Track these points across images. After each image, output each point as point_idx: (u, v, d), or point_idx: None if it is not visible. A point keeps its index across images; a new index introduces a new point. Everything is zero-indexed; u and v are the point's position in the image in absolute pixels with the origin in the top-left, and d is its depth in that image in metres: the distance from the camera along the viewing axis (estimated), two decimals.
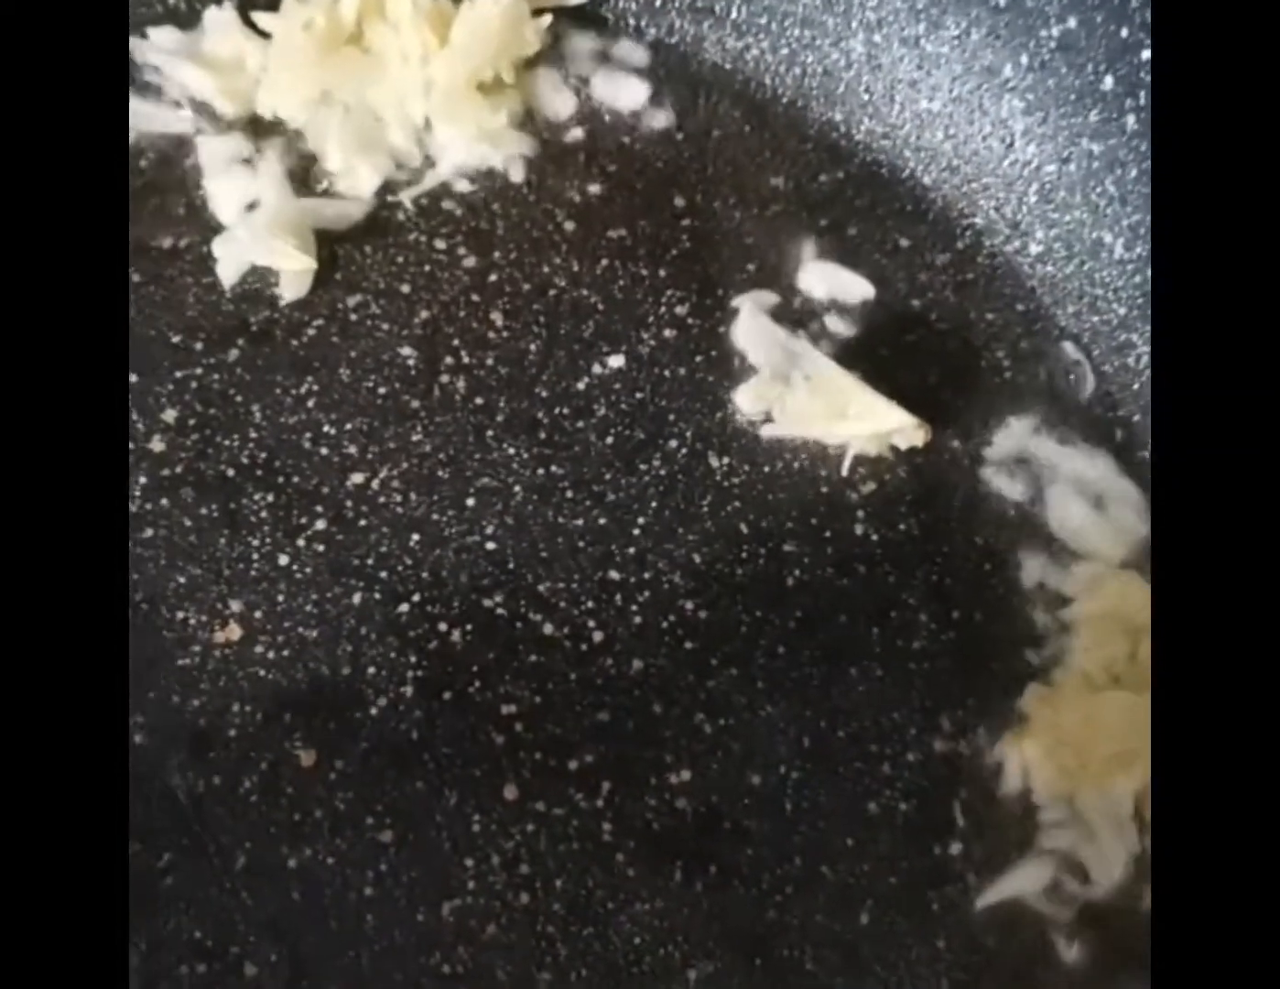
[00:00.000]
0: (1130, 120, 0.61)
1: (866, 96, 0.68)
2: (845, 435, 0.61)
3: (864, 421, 0.60)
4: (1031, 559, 0.60)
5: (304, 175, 0.63)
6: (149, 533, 0.56)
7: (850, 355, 0.62)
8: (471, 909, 0.51)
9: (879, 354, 0.63)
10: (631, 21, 0.69)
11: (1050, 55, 0.63)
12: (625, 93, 0.67)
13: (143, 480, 0.57)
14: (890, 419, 0.60)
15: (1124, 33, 0.60)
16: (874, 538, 0.60)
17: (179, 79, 0.64)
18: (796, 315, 0.63)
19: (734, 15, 0.68)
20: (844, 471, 0.61)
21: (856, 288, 0.64)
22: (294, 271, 0.60)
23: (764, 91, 0.68)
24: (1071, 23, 0.62)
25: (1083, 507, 0.61)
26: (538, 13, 0.66)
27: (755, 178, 0.66)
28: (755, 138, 0.68)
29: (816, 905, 0.53)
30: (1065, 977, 0.54)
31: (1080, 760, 0.56)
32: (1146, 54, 0.60)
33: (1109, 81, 0.61)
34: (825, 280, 0.64)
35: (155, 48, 0.65)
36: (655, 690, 0.56)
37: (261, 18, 0.64)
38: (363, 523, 0.57)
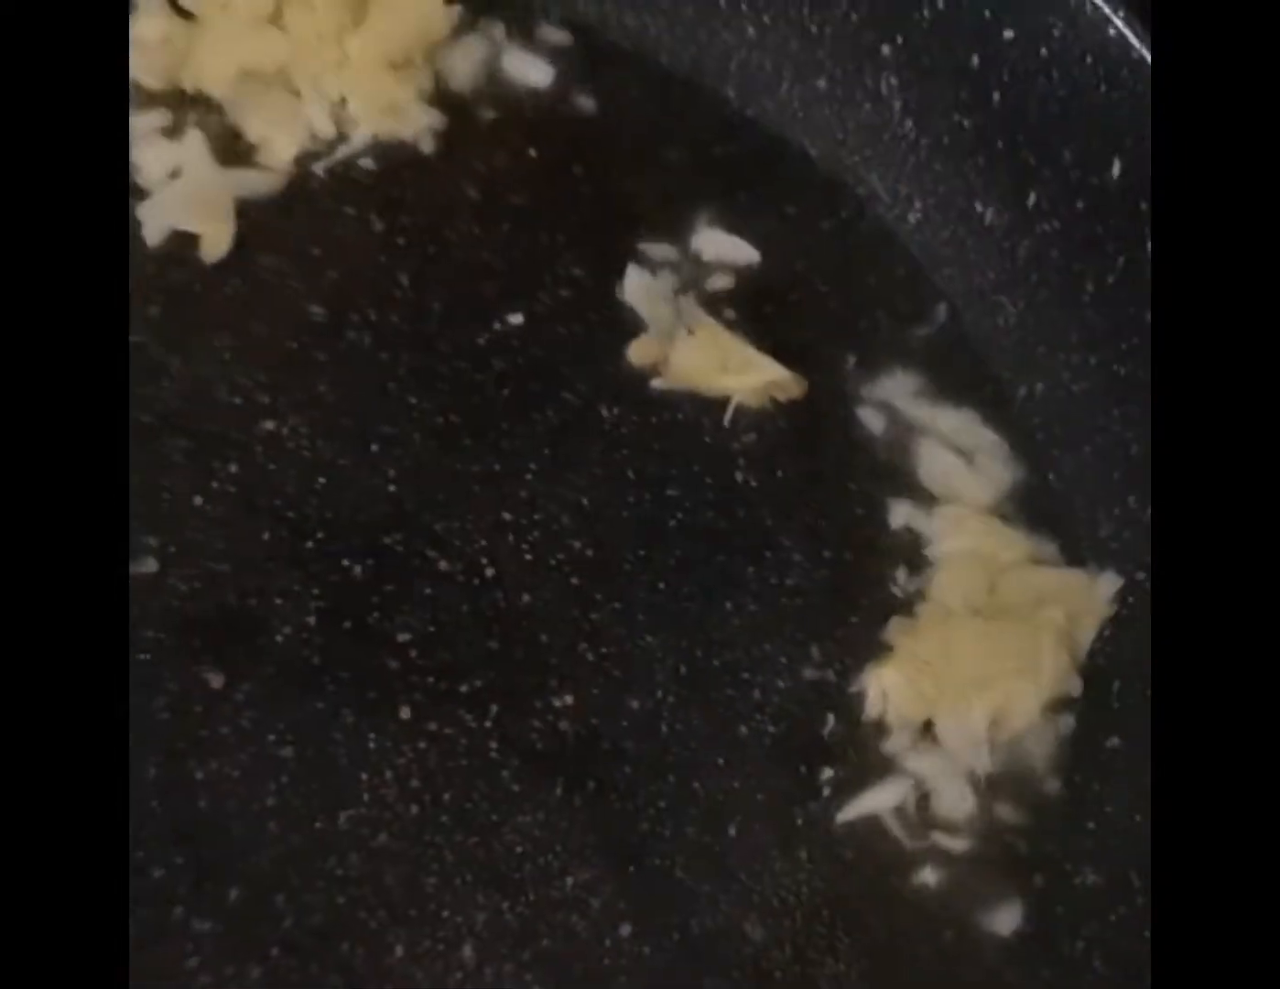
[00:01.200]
0: (995, 97, 0.66)
1: (758, 73, 0.72)
2: (728, 388, 0.65)
3: (745, 375, 0.65)
4: (900, 504, 0.65)
5: (225, 146, 0.67)
6: None
7: (735, 315, 0.67)
8: (365, 819, 0.56)
9: (763, 312, 0.67)
10: (540, 2, 0.73)
11: (923, 36, 0.67)
12: (533, 71, 0.71)
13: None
14: (770, 373, 0.65)
15: (986, 14, 0.64)
16: (753, 484, 0.64)
17: None
18: (686, 277, 0.68)
19: None
20: (726, 422, 0.65)
21: (743, 252, 0.69)
22: (213, 235, 0.64)
23: (661, 69, 0.73)
24: (940, 5, 0.66)
25: (952, 457, 0.66)
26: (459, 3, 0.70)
27: (651, 150, 0.71)
28: (654, 112, 0.72)
29: (687, 819, 0.58)
30: (919, 890, 0.58)
31: (938, 686, 0.61)
32: (1007, 33, 0.64)
33: (975, 60, 0.66)
34: (714, 245, 0.69)
35: None
36: (541, 622, 0.60)
37: None
38: (272, 467, 0.61)
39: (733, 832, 0.58)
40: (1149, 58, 0.60)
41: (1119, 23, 0.60)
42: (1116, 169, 0.61)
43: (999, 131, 0.66)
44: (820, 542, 0.64)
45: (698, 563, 0.62)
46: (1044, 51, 0.63)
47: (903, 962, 0.57)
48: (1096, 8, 0.61)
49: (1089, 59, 0.61)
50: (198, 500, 0.60)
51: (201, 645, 0.57)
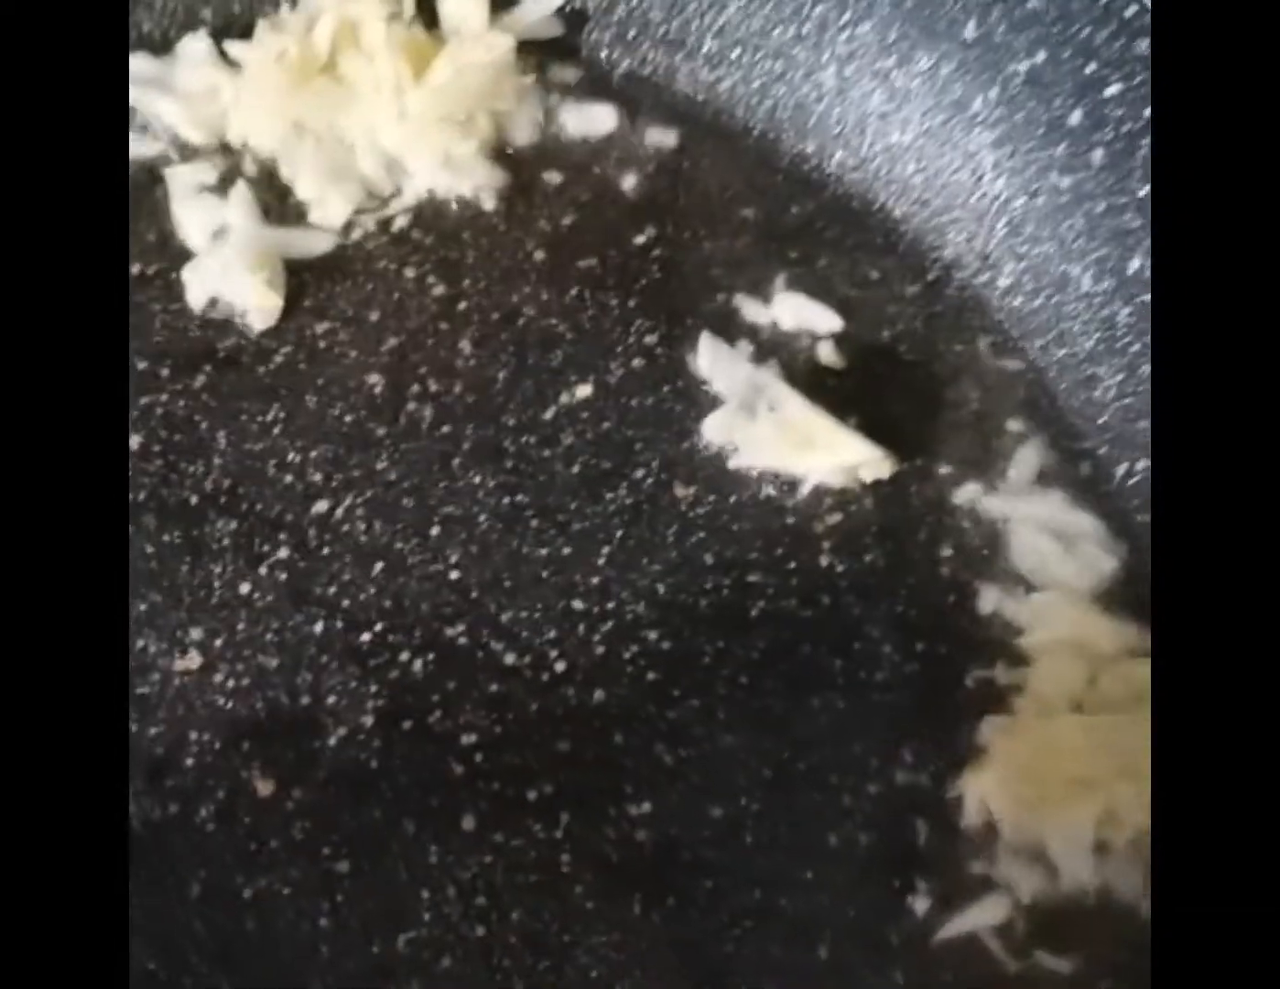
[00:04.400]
0: (1097, 154, 0.62)
1: (838, 129, 0.68)
2: (810, 466, 0.61)
3: (829, 453, 0.61)
4: (991, 590, 0.60)
5: (275, 204, 0.63)
6: None
7: (817, 387, 0.62)
8: (427, 941, 0.51)
9: (846, 386, 0.63)
10: (605, 53, 0.69)
11: (1018, 90, 0.63)
12: (598, 124, 0.68)
13: None
14: (855, 451, 0.61)
15: (1089, 68, 0.60)
16: (838, 569, 0.60)
17: (151, 107, 0.64)
18: (765, 346, 0.64)
19: (706, 48, 0.69)
20: (808, 503, 0.61)
21: (825, 319, 0.64)
22: (262, 299, 0.60)
23: (735, 123, 0.69)
24: (1039, 58, 0.62)
25: (1047, 541, 0.61)
26: (521, 54, 0.67)
27: (725, 209, 0.67)
28: (726, 169, 0.68)
29: (774, 938, 0.53)
30: None
31: (1039, 790, 0.57)
32: (1111, 89, 0.60)
33: (1076, 116, 0.62)
34: (794, 311, 0.64)
35: (129, 76, 0.65)
36: (615, 720, 0.56)
37: (234, 47, 0.65)
38: (326, 551, 0.57)
39: (823, 953, 0.53)
40: None
41: None
42: None
43: (1100, 191, 0.62)
44: (911, 632, 0.59)
45: (781, 655, 0.58)
46: (1149, 111, 0.59)
47: None
48: None
49: None
50: (245, 588, 0.56)
51: (249, 749, 0.53)
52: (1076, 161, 0.63)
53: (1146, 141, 0.60)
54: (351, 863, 0.52)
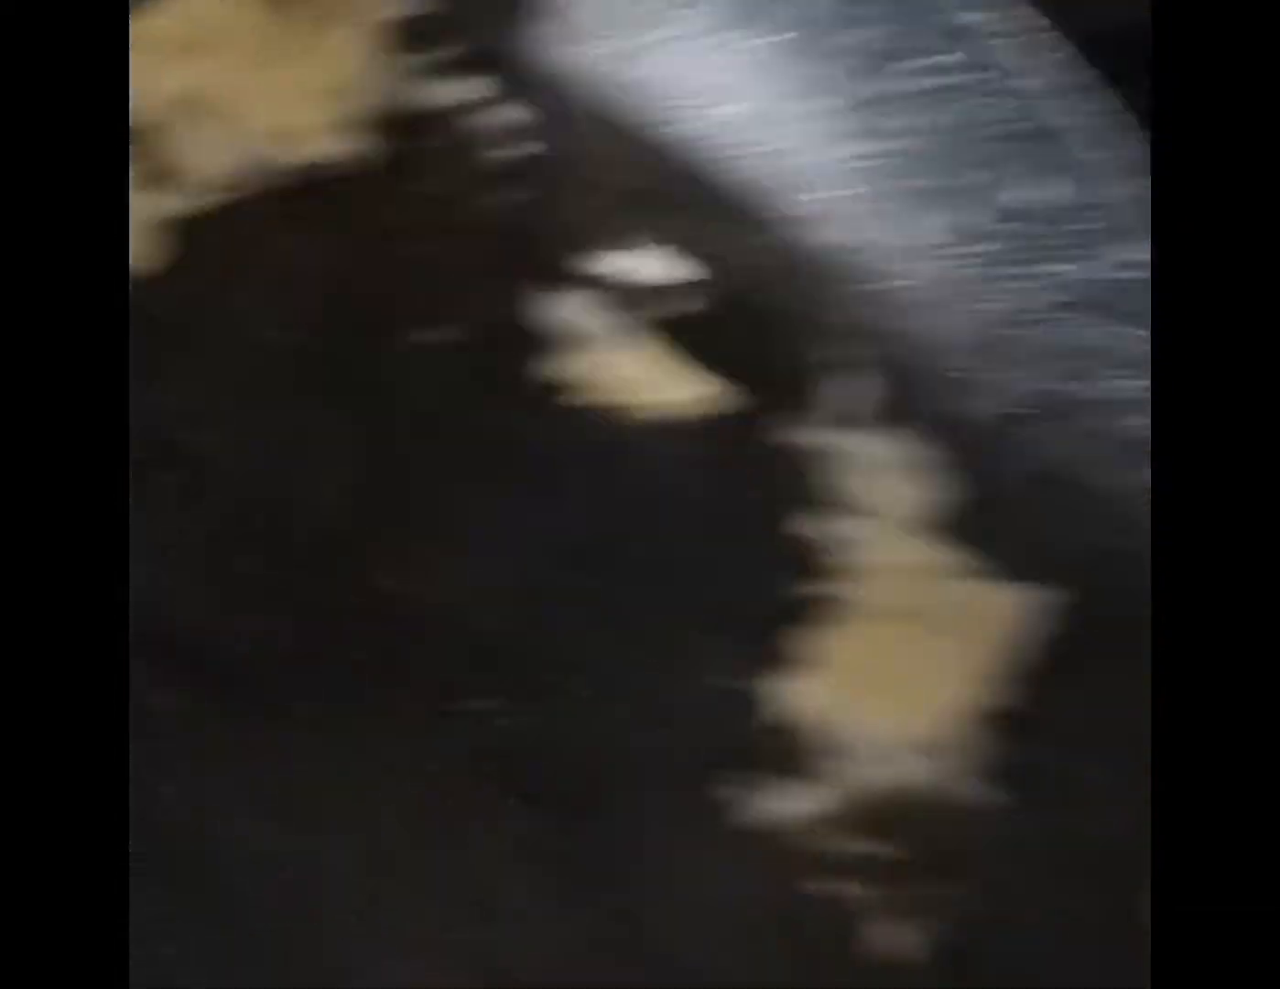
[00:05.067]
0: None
1: (688, 100, 0.73)
2: (653, 402, 0.66)
3: (674, 391, 0.66)
4: (827, 516, 0.65)
5: (153, 170, 0.69)
6: None
7: (671, 333, 0.68)
8: None
9: (703, 331, 0.68)
10: (474, 27, 0.73)
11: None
12: (466, 95, 0.72)
13: None
14: (697, 387, 0.66)
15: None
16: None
17: None
18: (623, 296, 0.68)
19: (565, 22, 0.74)
20: (649, 435, 0.66)
21: (683, 270, 0.69)
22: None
23: (597, 95, 0.73)
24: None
25: (880, 475, 0.66)
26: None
27: (586, 173, 0.72)
28: (588, 137, 0.73)
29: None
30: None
31: (866, 692, 0.61)
32: None
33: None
34: (653, 264, 0.69)
35: None
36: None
37: None
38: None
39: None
40: None
41: None
42: None
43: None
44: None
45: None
46: None
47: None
48: None
49: None
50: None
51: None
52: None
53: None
54: None
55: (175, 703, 0.57)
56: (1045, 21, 0.66)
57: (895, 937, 0.56)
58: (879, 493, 0.65)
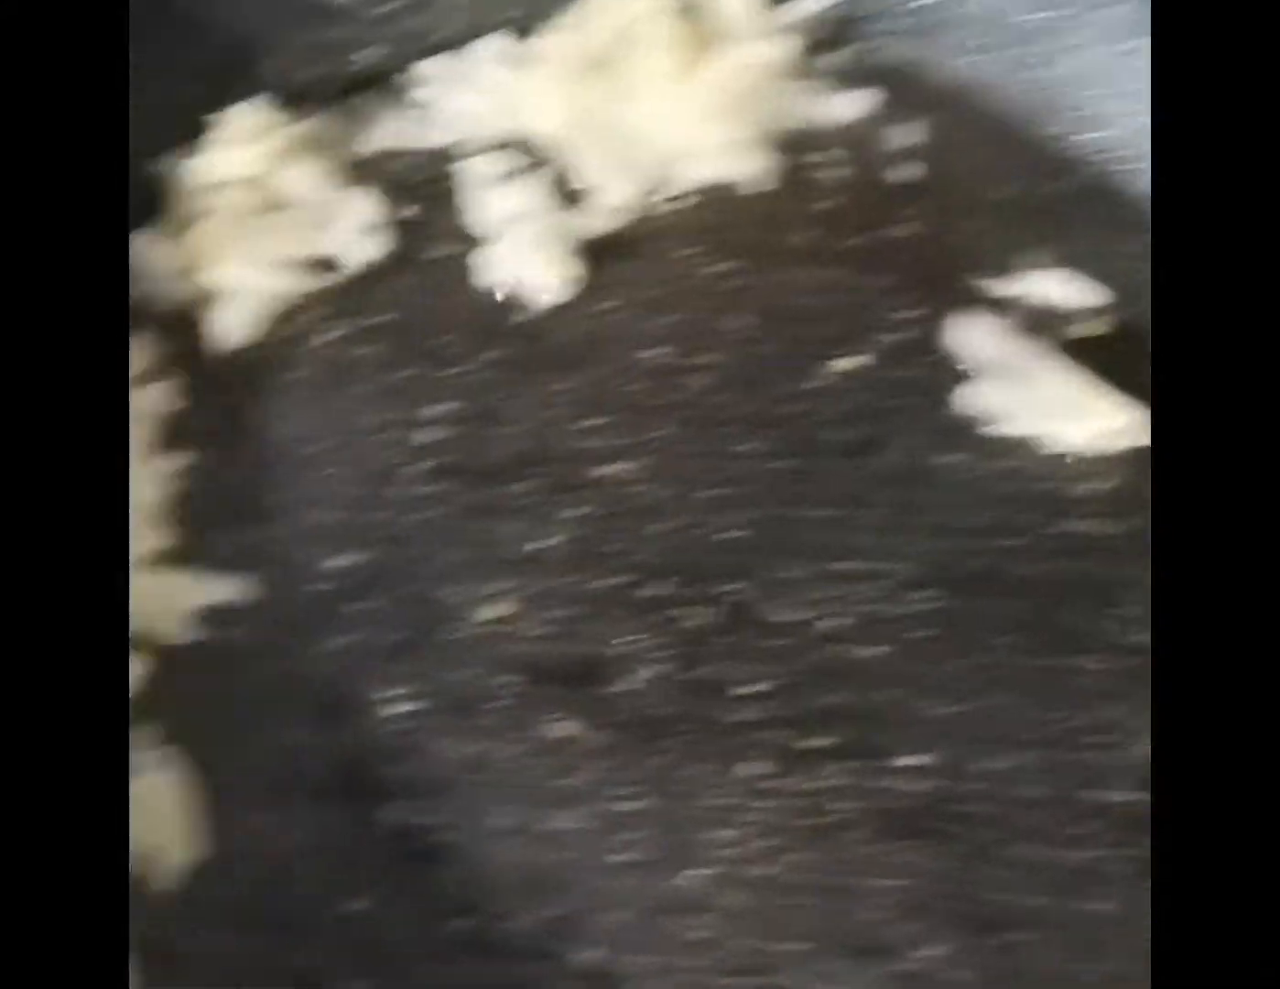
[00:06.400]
0: None
1: (1088, 111, 0.70)
2: (1068, 433, 0.63)
3: (1086, 420, 0.62)
4: None
5: (562, 190, 0.68)
6: (418, 517, 0.61)
7: (1075, 357, 0.64)
8: (708, 879, 0.54)
9: (1105, 357, 0.64)
10: (867, 42, 0.72)
11: None
12: (861, 110, 0.71)
13: (421, 467, 0.63)
14: (1113, 417, 0.62)
15: None
16: (1095, 535, 0.61)
17: (446, 102, 0.70)
18: (1023, 320, 0.65)
19: (958, 35, 0.71)
20: (1066, 470, 0.62)
21: (1084, 293, 0.66)
22: (553, 279, 0.65)
23: (988, 107, 0.71)
24: None
25: None
26: None
27: (981, 191, 0.69)
28: (980, 153, 0.70)
29: (1043, 890, 0.54)
30: None
31: None
32: None
33: None
34: (1053, 286, 0.66)
35: (425, 73, 0.71)
36: (884, 677, 0.58)
37: (522, 45, 0.70)
38: (613, 512, 0.61)
39: (1093, 906, 0.55)
40: None
41: None
42: None
43: None
44: None
45: (1045, 617, 0.59)
46: None
47: None
48: None
49: None
50: (540, 545, 0.60)
51: (550, 693, 0.57)
52: None
53: None
54: (638, 804, 0.56)
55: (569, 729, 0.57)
56: None
57: None
58: None
